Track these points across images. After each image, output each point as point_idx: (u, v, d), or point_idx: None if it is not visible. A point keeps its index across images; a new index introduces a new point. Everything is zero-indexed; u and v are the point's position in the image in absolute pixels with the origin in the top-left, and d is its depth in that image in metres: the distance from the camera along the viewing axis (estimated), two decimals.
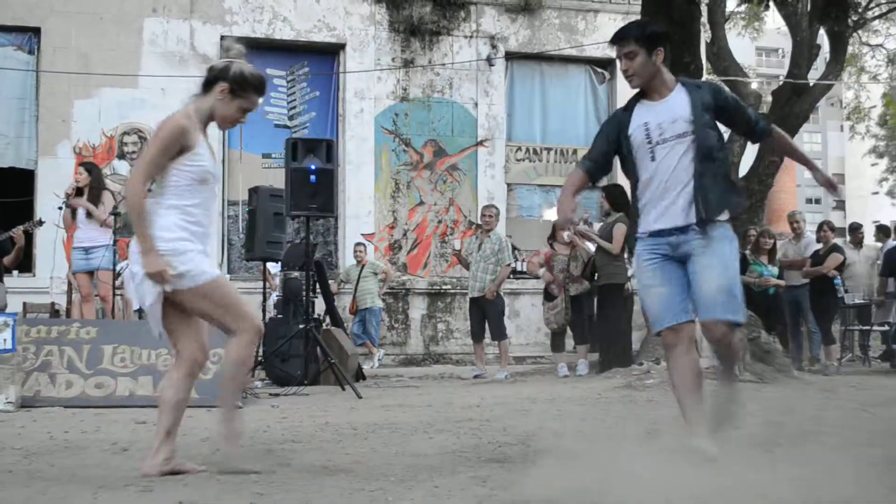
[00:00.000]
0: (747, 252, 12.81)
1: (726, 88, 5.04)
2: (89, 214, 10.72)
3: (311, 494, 3.86)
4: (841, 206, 63.29)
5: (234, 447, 4.52)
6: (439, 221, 16.12)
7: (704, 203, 4.72)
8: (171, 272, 4.25)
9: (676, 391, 4.83)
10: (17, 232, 11.14)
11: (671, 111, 4.81)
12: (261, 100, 4.68)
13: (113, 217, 10.72)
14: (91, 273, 10.93)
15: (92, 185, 10.92)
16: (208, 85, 4.52)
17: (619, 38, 4.88)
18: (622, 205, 10.74)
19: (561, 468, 4.23)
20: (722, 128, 4.88)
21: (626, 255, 11.03)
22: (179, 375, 4.46)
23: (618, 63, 4.98)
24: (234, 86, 4.46)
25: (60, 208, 10.85)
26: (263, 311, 12.03)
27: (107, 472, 4.51)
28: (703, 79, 12.96)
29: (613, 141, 4.97)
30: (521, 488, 3.85)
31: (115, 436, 6.07)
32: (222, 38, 15.40)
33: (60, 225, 11.47)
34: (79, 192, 10.94)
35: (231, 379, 4.58)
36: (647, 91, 4.91)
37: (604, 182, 10.72)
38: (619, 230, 10.86)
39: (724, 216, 4.78)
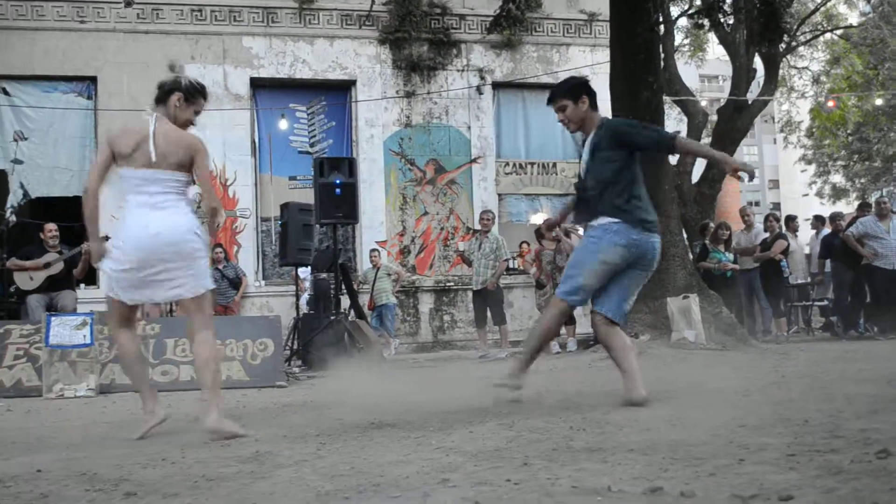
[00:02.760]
0: (707, 242, 12.89)
1: (629, 124, 5.12)
2: None
3: (366, 442, 3.90)
4: (776, 206, 63.44)
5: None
6: (441, 228, 16.15)
7: (588, 216, 5.13)
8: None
9: None
10: (86, 246, 11.10)
11: (585, 152, 5.16)
12: (205, 103, 4.72)
13: None
14: None
15: None
16: (165, 96, 4.55)
17: (550, 99, 5.27)
18: None
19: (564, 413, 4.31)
20: None
21: None
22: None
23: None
24: (187, 94, 4.54)
25: None
26: (297, 308, 12.08)
27: (186, 436, 4.54)
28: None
29: None
30: (544, 430, 3.90)
31: (185, 410, 6.09)
32: (251, 79, 15.49)
33: None
34: None
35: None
36: (584, 131, 5.21)
37: None
38: None
39: (601, 220, 4.98)
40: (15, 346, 8.13)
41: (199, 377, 4.49)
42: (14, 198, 14.50)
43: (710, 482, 2.53)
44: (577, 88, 5.13)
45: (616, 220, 4.92)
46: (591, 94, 5.16)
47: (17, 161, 14.53)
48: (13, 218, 13.56)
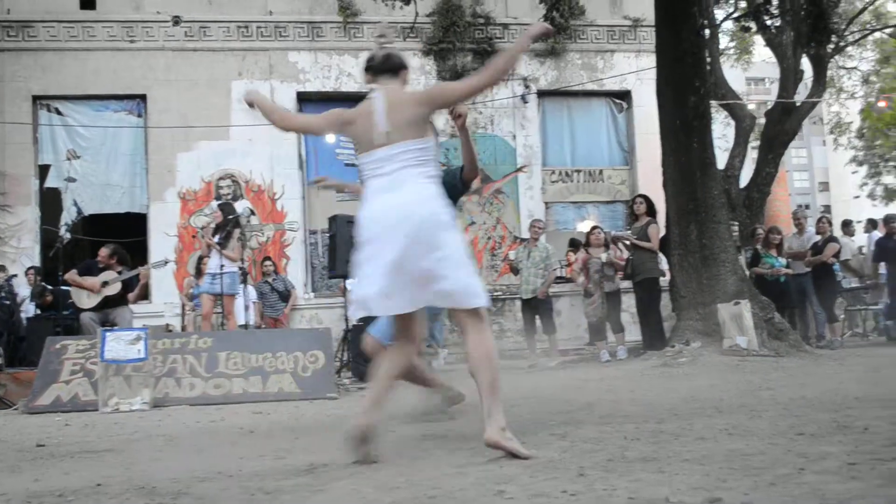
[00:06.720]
0: (758, 247, 12.73)
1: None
2: (220, 245, 10.92)
3: (419, 453, 3.90)
4: (827, 209, 62.40)
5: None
6: (488, 238, 16.15)
7: None
8: None
9: None
10: (145, 270, 11.15)
11: None
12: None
13: (240, 247, 10.99)
14: (214, 295, 11.03)
15: (226, 222, 11.16)
16: (396, 70, 4.08)
17: None
18: (653, 211, 11.00)
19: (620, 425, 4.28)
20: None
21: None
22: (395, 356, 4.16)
23: None
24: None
25: (195, 237, 10.95)
26: (346, 320, 12.15)
27: (243, 447, 4.59)
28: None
29: None
30: (597, 440, 3.88)
31: (239, 423, 6.15)
32: (297, 93, 15.63)
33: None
34: (217, 226, 11.20)
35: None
36: None
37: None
38: (654, 230, 10.89)
39: None
40: (71, 361, 8.29)
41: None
42: (68, 215, 14.83)
43: (770, 492, 2.50)
44: None
45: None
46: None
47: (70, 179, 14.84)
48: (67, 235, 13.86)
